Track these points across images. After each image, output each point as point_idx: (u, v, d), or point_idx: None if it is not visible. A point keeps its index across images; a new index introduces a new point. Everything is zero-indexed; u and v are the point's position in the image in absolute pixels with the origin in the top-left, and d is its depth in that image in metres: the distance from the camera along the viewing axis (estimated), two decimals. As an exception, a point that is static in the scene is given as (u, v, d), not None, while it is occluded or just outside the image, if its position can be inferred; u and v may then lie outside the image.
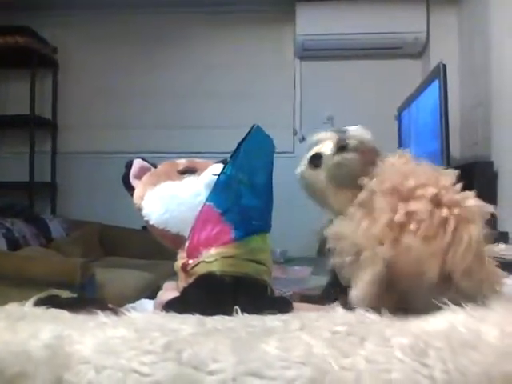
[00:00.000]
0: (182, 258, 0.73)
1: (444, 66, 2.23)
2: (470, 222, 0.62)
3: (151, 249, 2.02)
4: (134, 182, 0.84)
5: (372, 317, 0.62)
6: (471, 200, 0.64)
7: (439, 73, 2.25)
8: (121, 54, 3.79)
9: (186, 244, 0.73)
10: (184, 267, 0.71)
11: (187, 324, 0.55)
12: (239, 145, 0.70)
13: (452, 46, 3.18)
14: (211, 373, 0.48)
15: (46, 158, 3.73)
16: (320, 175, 0.76)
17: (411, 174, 0.65)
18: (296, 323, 0.55)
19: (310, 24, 3.42)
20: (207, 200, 0.71)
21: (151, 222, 0.78)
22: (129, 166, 0.86)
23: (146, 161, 0.87)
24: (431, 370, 0.47)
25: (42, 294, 0.82)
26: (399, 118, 3.09)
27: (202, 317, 0.58)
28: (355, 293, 0.64)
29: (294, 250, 3.11)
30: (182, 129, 3.61)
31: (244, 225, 0.71)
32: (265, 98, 3.70)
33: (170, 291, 0.74)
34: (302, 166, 0.80)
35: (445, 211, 0.61)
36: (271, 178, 0.75)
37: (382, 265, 0.62)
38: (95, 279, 2.25)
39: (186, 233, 0.74)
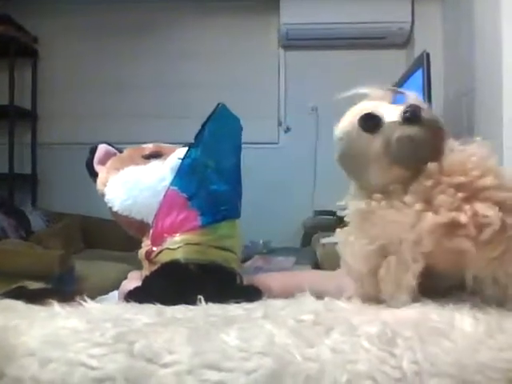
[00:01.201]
0: (146, 246, 0.70)
1: (428, 55, 2.20)
2: None
3: (133, 241, 1.98)
4: (97, 167, 0.81)
5: (341, 304, 0.59)
6: None
7: (423, 62, 2.22)
8: (102, 44, 3.72)
9: (151, 231, 0.69)
10: (147, 255, 0.68)
11: (144, 314, 0.52)
12: (203, 125, 0.67)
13: (436, 35, 3.16)
14: (165, 365, 0.45)
15: (26, 149, 3.65)
16: (375, 142, 0.60)
17: (490, 172, 0.56)
18: (259, 311, 0.52)
19: (294, 13, 3.37)
20: (171, 184, 0.68)
21: (114, 209, 0.74)
22: (93, 151, 0.82)
23: (112, 146, 0.83)
24: (399, 359, 0.45)
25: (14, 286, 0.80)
26: (383, 108, 3.07)
27: (161, 306, 0.55)
28: (404, 298, 0.57)
29: (278, 240, 3.09)
30: (164, 119, 3.55)
31: (211, 211, 0.68)
32: (249, 88, 3.66)
33: (133, 280, 0.71)
34: (349, 125, 0.64)
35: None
36: (239, 162, 0.71)
37: (419, 269, 0.56)
38: (74, 271, 2.21)
39: (150, 219, 0.71)
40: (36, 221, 3.28)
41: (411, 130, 0.59)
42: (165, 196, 0.68)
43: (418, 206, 0.56)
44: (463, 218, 0.54)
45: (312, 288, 0.61)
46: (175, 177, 0.68)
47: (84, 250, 3.01)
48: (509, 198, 0.56)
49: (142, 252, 0.71)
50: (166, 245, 0.66)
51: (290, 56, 3.68)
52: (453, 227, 0.55)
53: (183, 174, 0.67)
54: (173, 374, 0.44)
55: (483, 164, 0.58)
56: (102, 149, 0.82)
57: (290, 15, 3.38)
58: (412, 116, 0.59)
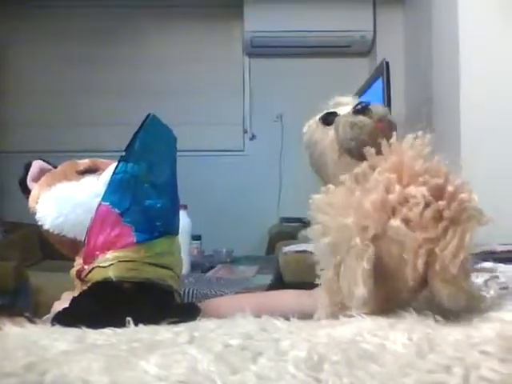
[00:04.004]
0: (77, 265, 0.67)
1: (387, 63, 2.23)
2: (466, 222, 0.57)
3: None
4: (30, 184, 0.78)
5: (278, 324, 0.57)
6: (475, 202, 0.58)
7: (383, 71, 2.25)
8: (64, 50, 3.66)
9: (83, 249, 0.66)
10: (78, 274, 0.65)
11: (63, 340, 0.49)
12: (134, 136, 0.65)
13: (398, 44, 3.21)
14: (79, 397, 0.42)
15: (-14, 157, 3.56)
16: (329, 133, 0.69)
17: (422, 159, 0.59)
18: (186, 335, 0.50)
19: (258, 21, 3.38)
20: (103, 199, 0.65)
21: (46, 227, 0.71)
22: (27, 167, 0.79)
23: (47, 162, 0.80)
24: (324, 385, 0.43)
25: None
26: (346, 116, 3.09)
27: (84, 331, 0.52)
28: (361, 291, 0.57)
29: (243, 248, 3.07)
30: (129, 126, 3.50)
31: (146, 227, 0.65)
32: (214, 96, 3.64)
33: (65, 301, 0.68)
34: (312, 121, 0.73)
35: (442, 204, 0.56)
36: (175, 174, 0.69)
37: (372, 254, 0.56)
38: (29, 284, 2.15)
39: (83, 237, 0.68)
40: (-7, 231, 3.18)
41: (357, 118, 0.67)
42: (96, 212, 0.65)
43: (352, 187, 0.59)
44: (391, 197, 0.56)
45: (283, 310, 0.61)
46: (106, 192, 0.65)
47: (42, 261, 2.94)
48: (441, 184, 0.57)
49: (73, 271, 0.68)
50: (96, 262, 0.64)
51: (255, 63, 3.69)
52: (388, 209, 0.56)
53: (114, 188, 0.64)
54: (87, 406, 0.41)
55: (419, 148, 0.60)
56: (36, 165, 0.79)
57: (254, 23, 3.38)
58: (361, 108, 0.67)
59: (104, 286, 0.62)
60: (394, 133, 0.66)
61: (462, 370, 0.46)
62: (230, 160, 3.64)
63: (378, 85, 2.31)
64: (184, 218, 1.90)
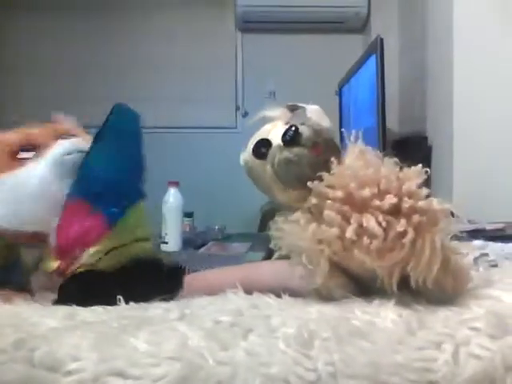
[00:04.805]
0: (50, 259, 0.64)
1: (381, 40, 2.20)
2: (433, 228, 0.55)
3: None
4: None
5: (269, 300, 0.57)
6: (434, 204, 0.57)
7: (377, 47, 2.22)
8: (56, 25, 3.58)
9: (52, 242, 0.64)
10: (60, 273, 0.62)
11: (52, 317, 0.48)
12: (100, 129, 0.63)
13: (392, 21, 3.17)
14: (69, 373, 0.42)
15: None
16: (265, 167, 0.65)
17: (369, 181, 0.57)
18: (176, 312, 0.50)
19: (251, -6, 3.32)
20: (70, 194, 0.62)
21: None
22: None
23: None
24: (315, 361, 0.43)
25: None
26: (340, 94, 3.07)
27: (74, 308, 0.52)
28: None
29: (236, 226, 3.07)
30: (117, 102, 3.47)
31: (114, 207, 0.63)
32: (205, 72, 3.60)
33: (47, 294, 0.66)
34: (247, 154, 0.69)
35: (403, 223, 0.54)
36: (136, 142, 0.67)
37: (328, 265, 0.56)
38: (21, 260, 2.14)
39: (45, 229, 0.64)
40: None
41: (288, 153, 0.63)
42: (65, 206, 0.62)
43: (302, 221, 0.57)
44: (349, 231, 0.54)
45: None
46: (73, 186, 0.62)
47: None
48: (397, 203, 0.55)
49: (49, 267, 0.64)
50: (82, 260, 0.61)
51: (248, 39, 3.64)
52: (347, 239, 0.55)
53: (81, 181, 0.62)
54: (76, 383, 0.41)
55: (360, 175, 0.58)
56: None
57: (246, -4, 3.32)
58: (289, 138, 0.63)
59: (90, 272, 0.61)
60: (334, 143, 0.63)
61: (452, 347, 0.46)
62: (222, 137, 3.61)
63: (372, 62, 2.29)
64: (176, 195, 1.89)
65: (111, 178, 0.62)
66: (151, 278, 0.63)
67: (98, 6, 3.58)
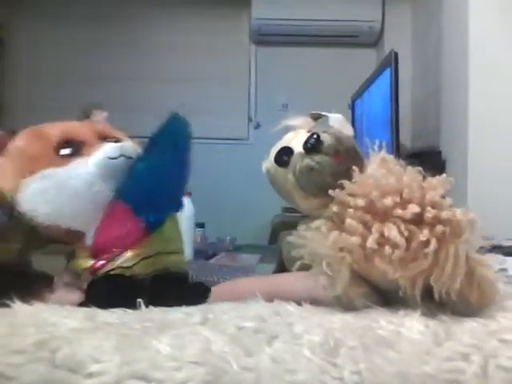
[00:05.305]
0: (83, 257, 0.64)
1: (396, 54, 2.20)
2: (456, 239, 0.54)
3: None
4: None
5: (290, 308, 0.57)
6: (458, 214, 0.56)
7: (391, 61, 2.22)
8: (72, 34, 3.63)
9: (89, 241, 0.64)
10: (93, 271, 0.62)
11: (73, 318, 0.48)
12: (154, 136, 0.63)
13: (406, 35, 3.18)
14: (90, 375, 0.41)
15: (-12, 139, 3.54)
16: (287, 175, 0.65)
17: (391, 190, 0.56)
18: (198, 316, 0.49)
19: (267, 8, 3.35)
20: (116, 197, 0.63)
21: (36, 220, 0.65)
22: None
23: None
24: (341, 370, 0.42)
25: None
26: (352, 107, 3.07)
27: (93, 310, 0.51)
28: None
29: (246, 237, 3.07)
30: (131, 112, 3.49)
31: (154, 215, 0.63)
32: (219, 83, 3.62)
33: (72, 290, 0.66)
34: (269, 162, 0.69)
35: (425, 232, 0.53)
36: (186, 154, 0.67)
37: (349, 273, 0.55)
38: (31, 266, 2.15)
39: (82, 227, 0.65)
40: (-4, 214, 3.18)
41: (310, 160, 0.62)
42: (109, 209, 0.62)
43: (324, 228, 0.57)
44: (370, 240, 0.53)
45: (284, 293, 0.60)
46: (120, 190, 0.62)
47: (47, 245, 2.93)
48: (420, 212, 0.54)
49: (81, 265, 0.65)
50: (118, 263, 0.61)
51: (262, 52, 3.66)
52: (368, 248, 0.54)
53: (128, 186, 0.62)
54: (98, 385, 0.41)
55: (382, 184, 0.57)
56: None
57: (262, 10, 3.35)
58: (311, 146, 0.62)
59: (123, 276, 0.61)
60: (356, 151, 0.63)
61: (480, 358, 0.45)
62: (234, 148, 3.62)
63: (386, 76, 2.29)
64: (188, 205, 1.89)
65: (157, 187, 0.63)
66: (179, 292, 0.63)
67: (114, 17, 3.62)
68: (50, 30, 3.64)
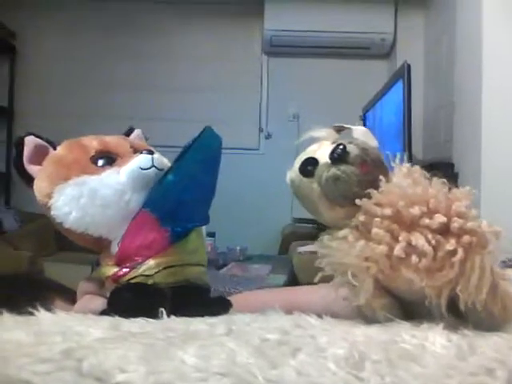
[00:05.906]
0: (107, 265, 0.65)
1: (409, 66, 2.21)
2: (482, 250, 0.54)
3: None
4: (30, 168, 0.68)
5: (311, 321, 0.57)
6: (483, 226, 0.56)
7: (403, 73, 2.23)
8: (84, 42, 3.67)
9: (114, 249, 0.65)
10: (116, 279, 0.63)
11: (97, 327, 0.48)
12: (186, 149, 0.64)
13: (418, 48, 3.18)
14: (116, 385, 0.41)
15: (1, 147, 3.58)
16: (313, 185, 0.64)
17: (418, 200, 0.56)
18: (222, 328, 0.49)
19: (279, 19, 3.37)
20: (144, 206, 0.63)
21: (66, 226, 0.65)
22: (19, 144, 0.68)
23: (39, 137, 0.69)
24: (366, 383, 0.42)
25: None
26: (364, 118, 3.07)
27: (117, 319, 0.52)
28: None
29: (256, 247, 3.07)
30: (144, 121, 3.50)
31: (180, 226, 0.64)
32: (231, 93, 3.64)
33: (93, 299, 0.66)
34: (293, 172, 0.68)
35: (452, 242, 0.54)
36: (215, 168, 0.68)
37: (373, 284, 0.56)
38: (43, 274, 2.16)
39: (110, 236, 0.66)
40: (8, 221, 3.21)
41: (336, 170, 0.61)
42: (135, 217, 0.63)
43: (351, 238, 0.57)
44: (398, 249, 0.54)
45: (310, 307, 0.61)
46: (148, 199, 0.64)
47: (57, 253, 2.94)
48: (446, 222, 0.55)
49: (104, 272, 0.65)
50: (139, 271, 0.62)
51: (273, 62, 3.68)
52: (395, 258, 0.55)
53: (157, 196, 0.63)
54: (124, 395, 0.41)
55: (408, 193, 0.58)
56: (30, 143, 0.68)
57: (274, 21, 3.37)
58: (337, 156, 0.62)
59: (145, 284, 0.61)
60: (381, 162, 0.64)
61: (505, 373, 0.45)
62: (245, 158, 3.63)
63: (398, 87, 2.30)
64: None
65: (185, 199, 0.63)
66: (200, 303, 0.63)
67: (126, 28, 3.65)
68: (61, 39, 3.68)
